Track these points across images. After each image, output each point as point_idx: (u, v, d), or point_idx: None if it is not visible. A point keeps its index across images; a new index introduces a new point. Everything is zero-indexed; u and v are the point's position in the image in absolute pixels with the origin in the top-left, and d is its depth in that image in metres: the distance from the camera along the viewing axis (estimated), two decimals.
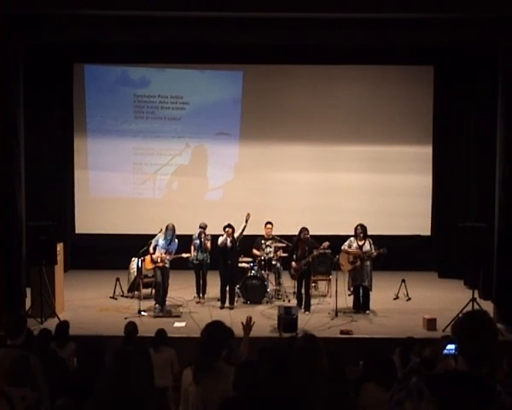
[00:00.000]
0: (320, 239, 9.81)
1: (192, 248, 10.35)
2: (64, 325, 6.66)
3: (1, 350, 4.47)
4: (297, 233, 9.93)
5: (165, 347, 6.46)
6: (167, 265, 9.91)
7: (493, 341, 2.52)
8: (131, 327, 6.46)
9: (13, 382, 3.92)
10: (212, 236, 10.38)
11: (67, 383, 4.71)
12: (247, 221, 10.01)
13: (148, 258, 10.01)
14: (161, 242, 9.93)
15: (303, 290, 9.82)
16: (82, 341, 6.55)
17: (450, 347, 3.91)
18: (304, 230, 9.71)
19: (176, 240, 10.00)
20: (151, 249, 9.93)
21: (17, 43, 9.29)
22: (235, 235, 10.02)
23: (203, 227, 10.26)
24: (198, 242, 10.28)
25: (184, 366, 5.24)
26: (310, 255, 9.63)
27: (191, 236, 10.42)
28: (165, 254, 9.88)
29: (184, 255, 10.04)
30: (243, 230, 10.08)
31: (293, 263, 9.71)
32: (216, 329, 3.89)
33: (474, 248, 9.01)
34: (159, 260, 9.86)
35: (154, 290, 10.19)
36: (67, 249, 11.16)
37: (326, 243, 9.56)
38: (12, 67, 9.17)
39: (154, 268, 9.95)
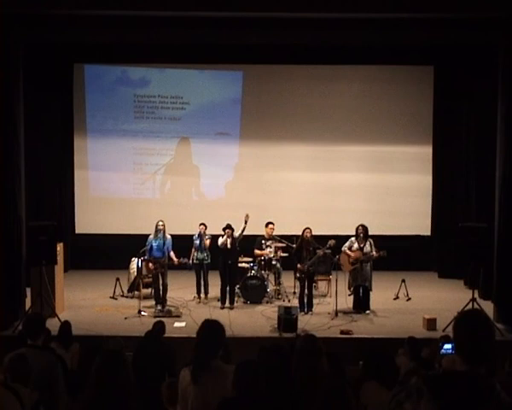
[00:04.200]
0: (320, 239, 9.81)
1: (193, 249, 10.36)
2: (67, 326, 6.67)
3: (29, 350, 4.45)
4: (297, 233, 9.92)
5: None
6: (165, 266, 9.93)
7: (490, 339, 2.52)
8: (159, 326, 6.53)
9: (15, 380, 3.93)
10: (212, 235, 10.41)
11: (67, 383, 4.72)
12: (246, 222, 10.01)
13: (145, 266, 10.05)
14: (155, 243, 9.92)
15: (305, 292, 9.79)
16: (82, 341, 6.58)
17: (447, 346, 3.92)
18: (306, 230, 9.70)
19: (168, 236, 9.99)
20: (147, 254, 9.89)
21: (17, 43, 9.29)
22: (235, 235, 10.03)
23: (204, 224, 10.29)
24: (198, 242, 10.30)
25: (182, 366, 5.25)
26: (315, 256, 9.61)
27: (191, 236, 10.44)
28: (163, 259, 9.85)
29: (182, 260, 10.01)
30: (243, 231, 10.07)
31: (299, 265, 9.68)
32: (212, 328, 3.90)
33: (474, 248, 9.00)
34: (158, 269, 9.85)
35: (153, 291, 10.20)
36: (67, 249, 11.16)
37: (332, 241, 9.54)
38: (12, 66, 9.17)
39: (152, 274, 9.96)
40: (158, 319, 9.25)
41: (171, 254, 9.97)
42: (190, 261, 10.29)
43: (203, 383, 3.74)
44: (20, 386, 3.76)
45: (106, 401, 3.14)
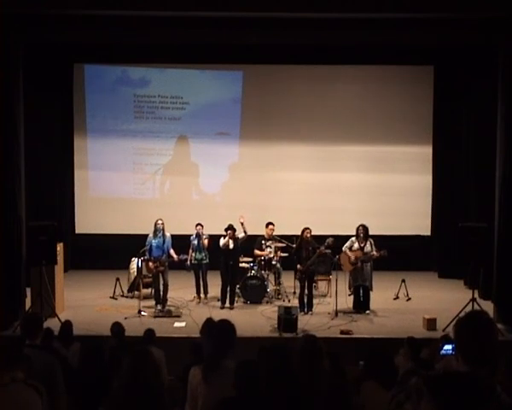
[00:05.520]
0: (320, 239, 9.81)
1: (190, 250, 10.35)
2: (68, 325, 6.67)
3: (27, 350, 4.45)
4: (297, 233, 9.92)
5: (153, 347, 6.37)
6: (166, 264, 9.91)
7: (492, 341, 2.52)
8: (116, 328, 6.49)
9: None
10: (211, 235, 10.41)
11: (69, 383, 4.72)
12: (242, 224, 10.01)
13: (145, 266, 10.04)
14: (154, 242, 9.90)
15: (305, 292, 9.79)
16: (82, 341, 6.57)
17: (448, 347, 3.90)
18: (306, 230, 9.70)
19: (167, 234, 9.97)
20: (147, 254, 9.89)
21: (17, 43, 9.29)
22: (240, 236, 10.03)
23: (201, 224, 10.30)
24: (195, 242, 10.30)
25: (183, 366, 5.26)
26: (314, 256, 9.60)
27: (190, 236, 10.43)
28: (164, 257, 9.85)
29: (182, 257, 10.00)
30: (246, 233, 10.08)
31: (299, 266, 9.67)
32: (225, 328, 3.93)
33: (474, 248, 9.00)
34: (158, 267, 9.84)
35: (153, 291, 10.19)
36: (67, 249, 11.16)
37: (330, 239, 9.54)
38: (12, 66, 9.17)
39: (153, 273, 9.95)
40: (158, 318, 9.33)
41: (171, 251, 9.96)
42: (188, 262, 10.29)
43: (214, 382, 3.77)
44: (39, 383, 3.77)
45: (136, 401, 3.16)
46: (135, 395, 3.21)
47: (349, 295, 9.91)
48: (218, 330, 3.93)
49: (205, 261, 10.35)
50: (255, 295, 10.23)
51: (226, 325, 3.95)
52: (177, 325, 9.03)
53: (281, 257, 10.67)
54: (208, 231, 10.47)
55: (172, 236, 10.11)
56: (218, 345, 3.85)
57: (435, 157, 12.81)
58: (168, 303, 9.98)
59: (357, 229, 9.80)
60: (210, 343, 3.92)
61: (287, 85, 12.65)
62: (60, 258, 9.65)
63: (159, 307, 9.76)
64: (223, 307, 9.96)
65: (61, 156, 12.69)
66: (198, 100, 12.83)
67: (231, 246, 9.94)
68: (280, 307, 9.02)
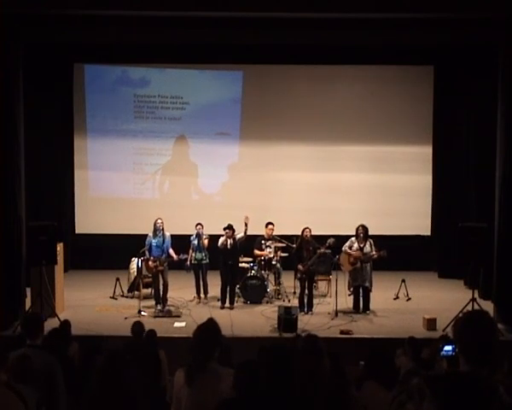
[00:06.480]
0: (320, 239, 9.81)
1: (190, 250, 10.35)
2: (66, 325, 6.67)
3: (28, 350, 4.45)
4: (297, 233, 9.92)
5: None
6: (165, 264, 9.91)
7: (494, 341, 2.52)
8: (137, 327, 6.49)
9: (19, 380, 3.91)
10: (211, 235, 10.40)
11: (69, 383, 4.72)
12: (246, 224, 9.99)
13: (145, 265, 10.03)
14: (154, 242, 9.90)
15: (306, 292, 9.78)
16: (82, 341, 6.58)
17: (448, 348, 3.89)
18: (306, 229, 9.69)
19: (167, 234, 9.97)
20: (147, 254, 9.89)
21: (17, 42, 9.29)
22: (238, 236, 10.02)
23: (201, 224, 10.29)
24: (195, 242, 10.29)
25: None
26: (315, 256, 9.59)
27: (190, 236, 10.43)
28: (163, 256, 9.84)
29: (182, 257, 9.99)
30: (245, 233, 10.07)
31: (300, 266, 9.67)
32: (209, 329, 3.85)
33: (474, 248, 9.00)
34: (158, 267, 9.83)
35: (153, 291, 10.18)
36: (67, 249, 11.15)
37: (331, 240, 9.53)
38: (12, 66, 9.17)
39: (153, 273, 9.95)
40: (158, 318, 9.33)
41: (171, 250, 9.95)
42: (188, 262, 10.28)
43: (197, 385, 3.70)
44: (23, 387, 3.74)
45: (109, 402, 3.13)
46: (105, 396, 3.18)
47: (349, 295, 9.91)
48: (200, 332, 3.83)
49: (205, 261, 10.35)
50: (255, 295, 10.23)
51: (209, 327, 3.83)
52: (177, 325, 9.03)
53: (281, 257, 10.67)
54: (208, 231, 10.47)
55: (172, 236, 10.10)
56: (201, 347, 3.76)
57: (435, 157, 12.81)
58: (168, 303, 9.97)
59: (357, 229, 9.80)
60: (193, 344, 3.81)
61: (287, 85, 12.65)
62: (60, 258, 9.65)
63: (159, 307, 9.76)
64: (223, 307, 9.96)
65: (61, 156, 12.68)
66: (198, 100, 12.82)
67: (229, 246, 9.94)
68: (280, 307, 9.03)
